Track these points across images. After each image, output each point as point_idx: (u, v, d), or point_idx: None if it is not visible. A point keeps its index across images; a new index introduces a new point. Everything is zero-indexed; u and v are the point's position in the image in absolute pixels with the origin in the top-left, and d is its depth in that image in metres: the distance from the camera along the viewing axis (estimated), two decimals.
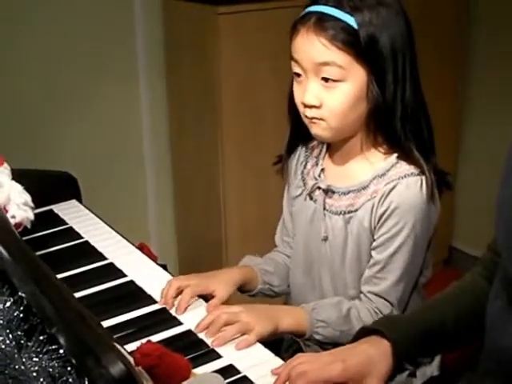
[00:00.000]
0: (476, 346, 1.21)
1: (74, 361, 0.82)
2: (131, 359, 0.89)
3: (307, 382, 1.06)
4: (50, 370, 0.82)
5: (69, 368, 0.82)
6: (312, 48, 1.29)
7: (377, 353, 1.12)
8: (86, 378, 0.79)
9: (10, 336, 0.87)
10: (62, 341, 0.85)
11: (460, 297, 1.26)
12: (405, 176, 1.33)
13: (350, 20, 1.27)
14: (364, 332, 1.17)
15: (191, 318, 1.31)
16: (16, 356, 0.84)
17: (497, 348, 1.12)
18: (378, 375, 1.10)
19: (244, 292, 1.49)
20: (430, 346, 1.20)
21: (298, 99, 1.36)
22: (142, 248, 1.58)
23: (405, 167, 1.34)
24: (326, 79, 1.30)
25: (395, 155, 1.36)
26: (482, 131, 2.96)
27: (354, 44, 1.27)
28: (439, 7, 2.74)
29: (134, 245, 1.58)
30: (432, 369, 1.43)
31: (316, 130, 1.35)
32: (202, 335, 1.26)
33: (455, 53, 2.87)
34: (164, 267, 1.51)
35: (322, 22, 1.28)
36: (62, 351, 0.84)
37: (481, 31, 2.89)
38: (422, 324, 1.20)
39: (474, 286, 1.28)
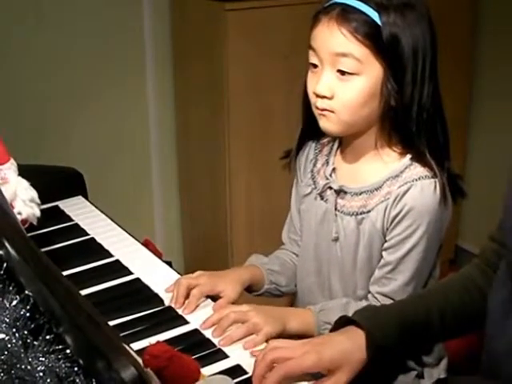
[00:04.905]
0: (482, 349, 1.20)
1: (81, 361, 0.81)
2: (139, 359, 0.88)
3: (285, 373, 1.06)
4: (57, 370, 0.81)
5: (76, 368, 0.81)
6: (331, 37, 1.28)
7: (352, 345, 1.11)
8: (94, 380, 0.78)
9: (17, 335, 0.86)
10: (69, 341, 0.84)
11: (449, 289, 1.25)
12: (419, 178, 1.32)
13: (375, 15, 1.26)
14: (343, 321, 1.17)
15: (198, 317, 1.30)
16: (22, 355, 0.83)
17: (495, 353, 1.11)
18: (350, 368, 1.09)
19: (250, 292, 1.48)
20: (411, 337, 1.18)
21: (310, 89, 1.34)
22: (147, 244, 1.57)
23: (419, 169, 1.33)
24: (342, 72, 1.29)
25: (409, 156, 1.35)
26: (490, 132, 2.95)
27: (375, 38, 1.26)
28: (447, 7, 2.72)
29: (139, 241, 1.57)
30: (439, 371, 1.41)
31: (325, 123, 1.34)
32: (208, 334, 1.25)
33: (463, 53, 2.85)
34: (169, 264, 1.50)
35: (346, 14, 1.27)
36: (69, 351, 0.83)
37: (489, 31, 2.87)
38: (403, 315, 1.18)
39: (466, 277, 1.27)
